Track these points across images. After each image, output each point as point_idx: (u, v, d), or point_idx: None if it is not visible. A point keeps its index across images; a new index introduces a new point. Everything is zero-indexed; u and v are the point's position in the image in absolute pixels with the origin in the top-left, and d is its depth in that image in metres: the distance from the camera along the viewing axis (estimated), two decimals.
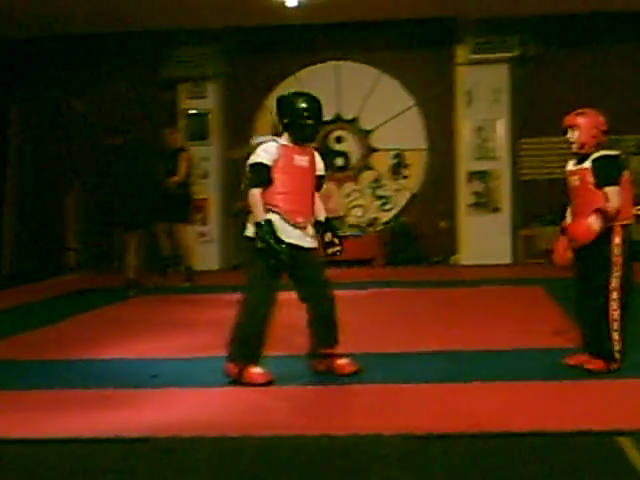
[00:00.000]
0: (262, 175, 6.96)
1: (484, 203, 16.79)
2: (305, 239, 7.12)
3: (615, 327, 6.95)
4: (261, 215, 6.87)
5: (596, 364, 6.98)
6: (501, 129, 16.67)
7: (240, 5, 14.94)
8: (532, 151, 16.78)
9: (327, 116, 17.15)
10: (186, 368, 7.81)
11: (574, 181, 7.16)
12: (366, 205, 17.41)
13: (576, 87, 16.52)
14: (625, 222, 7.03)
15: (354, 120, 17.40)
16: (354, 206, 17.47)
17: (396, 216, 17.30)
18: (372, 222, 17.28)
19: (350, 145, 17.49)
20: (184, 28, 16.33)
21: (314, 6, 14.98)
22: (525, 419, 5.71)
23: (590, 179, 7.01)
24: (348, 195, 17.48)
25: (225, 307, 11.54)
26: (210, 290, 13.34)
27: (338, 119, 17.40)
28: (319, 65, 17.29)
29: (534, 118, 16.52)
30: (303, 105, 7.26)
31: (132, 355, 8.47)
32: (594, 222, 6.85)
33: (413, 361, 7.82)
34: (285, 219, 6.96)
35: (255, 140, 7.29)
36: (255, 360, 7.01)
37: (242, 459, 5.18)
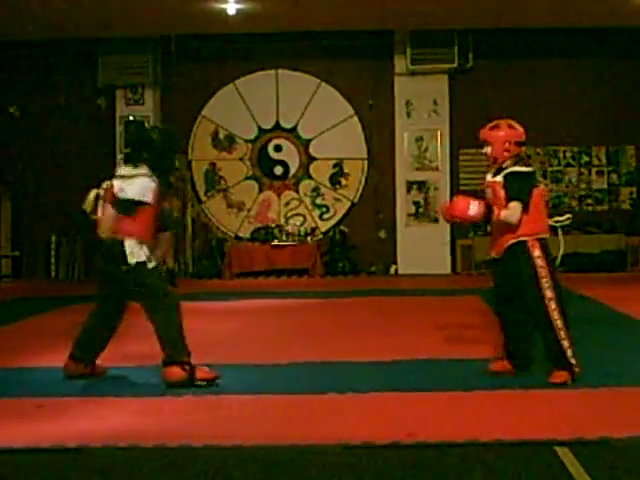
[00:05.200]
0: None
1: (423, 213, 16.86)
2: None
3: (562, 335, 6.99)
4: None
5: (561, 377, 6.99)
6: (440, 139, 16.75)
7: (180, 13, 14.86)
8: (471, 162, 16.89)
9: (266, 124, 17.39)
10: (122, 377, 7.72)
11: (488, 193, 7.28)
12: (305, 214, 17.40)
13: (514, 98, 16.71)
14: (540, 236, 7.10)
15: (293, 129, 17.39)
16: (293, 215, 17.45)
17: (335, 225, 17.31)
18: (311, 231, 17.26)
19: (289, 154, 17.47)
20: (122, 35, 16.21)
21: (254, 15, 14.96)
22: (461, 429, 5.71)
23: (501, 193, 7.10)
24: (287, 204, 17.46)
25: None
26: None
27: (277, 127, 17.38)
28: (258, 73, 17.27)
29: (473, 129, 16.58)
30: None
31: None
32: (475, 206, 7.06)
33: (349, 371, 7.80)
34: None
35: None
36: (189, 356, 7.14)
37: (178, 469, 5.11)
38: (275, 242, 17.09)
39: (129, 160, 7.50)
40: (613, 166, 17.15)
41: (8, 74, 17.06)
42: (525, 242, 7.04)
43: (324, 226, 17.37)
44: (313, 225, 17.35)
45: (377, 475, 4.95)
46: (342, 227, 17.26)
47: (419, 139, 16.82)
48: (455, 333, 9.69)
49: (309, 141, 17.40)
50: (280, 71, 17.30)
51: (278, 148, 17.49)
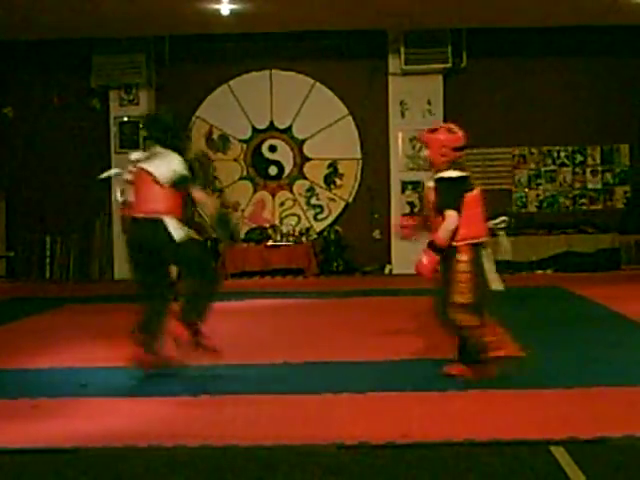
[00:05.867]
0: None
1: (418, 213, 16.85)
2: None
3: (475, 334, 7.08)
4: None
5: (458, 369, 7.15)
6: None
7: (173, 13, 14.83)
8: (465, 162, 16.86)
9: (261, 125, 17.39)
10: (116, 378, 7.71)
11: (426, 197, 7.37)
12: (300, 214, 17.40)
13: (508, 98, 16.75)
14: (471, 241, 7.10)
15: (288, 129, 17.38)
16: (287, 215, 17.45)
17: (330, 225, 17.31)
18: (305, 231, 17.25)
19: (284, 154, 17.46)
20: (115, 36, 16.20)
21: (248, 15, 14.94)
22: (457, 428, 5.72)
23: (432, 198, 7.16)
24: (282, 204, 17.46)
25: None
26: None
27: (271, 128, 17.38)
28: (252, 74, 17.24)
29: (467, 129, 16.62)
30: None
31: (62, 364, 8.35)
32: (423, 258, 7.05)
33: (344, 371, 7.81)
34: None
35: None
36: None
37: (173, 469, 5.11)
38: (270, 242, 17.08)
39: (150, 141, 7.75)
40: (607, 165, 17.17)
41: (2, 75, 17.04)
42: (455, 247, 7.06)
43: (319, 226, 17.36)
44: (308, 225, 17.34)
45: (372, 475, 4.95)
46: (337, 227, 17.26)
47: (413, 139, 16.80)
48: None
49: (303, 141, 17.39)
50: (274, 71, 17.28)
51: (272, 148, 17.48)
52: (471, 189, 7.20)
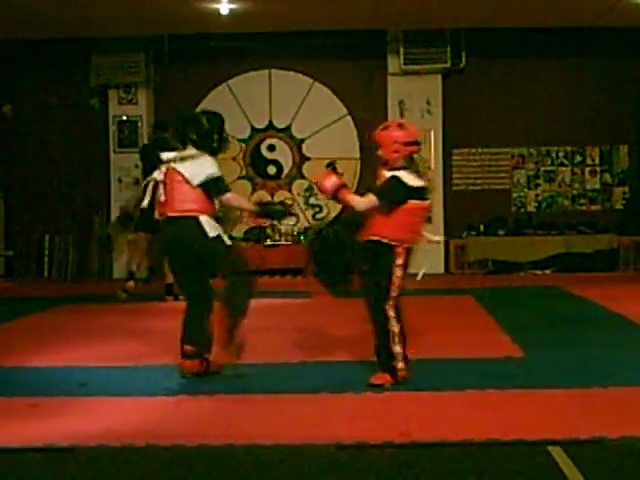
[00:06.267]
0: None
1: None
2: None
3: (397, 341, 7.07)
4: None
5: (382, 379, 7.07)
6: (433, 139, 16.75)
7: (173, 13, 14.83)
8: (464, 162, 16.91)
9: (260, 124, 17.39)
10: (115, 376, 7.72)
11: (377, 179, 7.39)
12: (299, 214, 17.40)
13: (507, 98, 16.77)
14: (407, 245, 7.16)
15: (287, 128, 17.38)
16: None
17: (328, 225, 17.28)
18: (304, 231, 17.25)
19: (282, 153, 17.47)
20: (114, 35, 16.19)
21: (247, 15, 14.94)
22: (455, 428, 5.72)
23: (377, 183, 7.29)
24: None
25: (156, 316, 11.49)
26: (143, 299, 13.17)
27: (270, 127, 17.38)
28: (251, 73, 17.23)
29: (466, 129, 16.69)
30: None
31: (61, 363, 8.35)
32: (330, 180, 7.21)
33: (342, 370, 7.81)
34: None
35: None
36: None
37: (171, 469, 5.11)
38: (268, 242, 17.09)
39: (179, 141, 7.74)
40: (606, 166, 17.17)
41: (1, 73, 17.02)
42: (393, 249, 7.08)
43: (318, 226, 17.35)
44: (307, 225, 17.34)
45: (370, 475, 4.95)
46: (336, 227, 17.22)
47: None
48: (448, 333, 9.71)
49: (302, 141, 17.39)
50: (273, 71, 17.26)
51: (271, 148, 17.48)
52: (425, 199, 7.25)
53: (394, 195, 7.08)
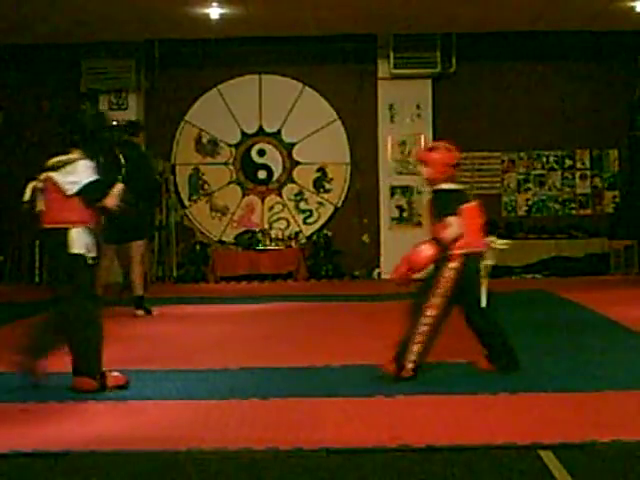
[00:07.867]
0: None
1: (407, 217, 16.88)
2: None
3: (417, 340, 7.26)
4: None
5: (389, 367, 7.30)
6: (424, 144, 16.76)
7: (163, 17, 14.83)
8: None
9: (250, 129, 17.39)
10: None
11: (425, 211, 7.70)
12: (289, 218, 17.40)
13: (497, 102, 16.81)
14: (465, 251, 7.24)
15: (277, 133, 17.39)
16: (277, 219, 17.44)
17: (319, 230, 17.31)
18: (295, 235, 17.25)
19: (273, 158, 17.48)
20: (105, 40, 16.18)
21: (237, 19, 14.95)
22: (446, 432, 5.71)
23: (429, 209, 7.46)
24: (271, 208, 17.45)
25: (142, 322, 11.48)
26: (130, 304, 13.13)
27: (261, 132, 17.39)
28: (242, 78, 17.26)
29: (456, 133, 16.68)
30: None
31: (51, 368, 8.30)
32: (426, 249, 7.19)
33: (334, 375, 7.80)
34: None
35: None
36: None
37: (163, 473, 5.10)
38: (259, 246, 17.09)
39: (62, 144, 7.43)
40: (597, 170, 17.21)
41: None
42: (446, 256, 7.21)
43: (308, 230, 17.37)
44: (297, 229, 17.35)
45: (362, 479, 4.94)
46: (326, 231, 17.27)
47: (402, 143, 16.84)
48: (442, 337, 9.68)
49: (292, 145, 17.40)
50: (263, 76, 17.29)
51: (262, 152, 17.49)
52: (468, 201, 7.40)
53: (451, 202, 7.26)
